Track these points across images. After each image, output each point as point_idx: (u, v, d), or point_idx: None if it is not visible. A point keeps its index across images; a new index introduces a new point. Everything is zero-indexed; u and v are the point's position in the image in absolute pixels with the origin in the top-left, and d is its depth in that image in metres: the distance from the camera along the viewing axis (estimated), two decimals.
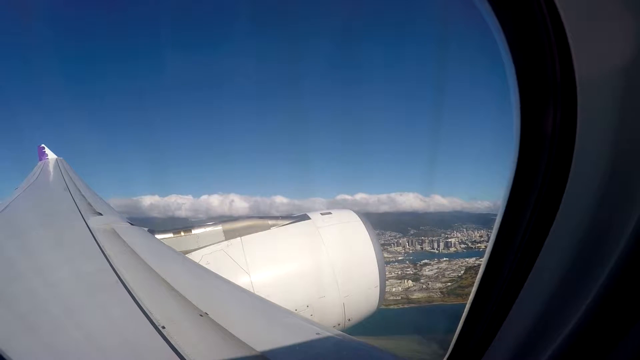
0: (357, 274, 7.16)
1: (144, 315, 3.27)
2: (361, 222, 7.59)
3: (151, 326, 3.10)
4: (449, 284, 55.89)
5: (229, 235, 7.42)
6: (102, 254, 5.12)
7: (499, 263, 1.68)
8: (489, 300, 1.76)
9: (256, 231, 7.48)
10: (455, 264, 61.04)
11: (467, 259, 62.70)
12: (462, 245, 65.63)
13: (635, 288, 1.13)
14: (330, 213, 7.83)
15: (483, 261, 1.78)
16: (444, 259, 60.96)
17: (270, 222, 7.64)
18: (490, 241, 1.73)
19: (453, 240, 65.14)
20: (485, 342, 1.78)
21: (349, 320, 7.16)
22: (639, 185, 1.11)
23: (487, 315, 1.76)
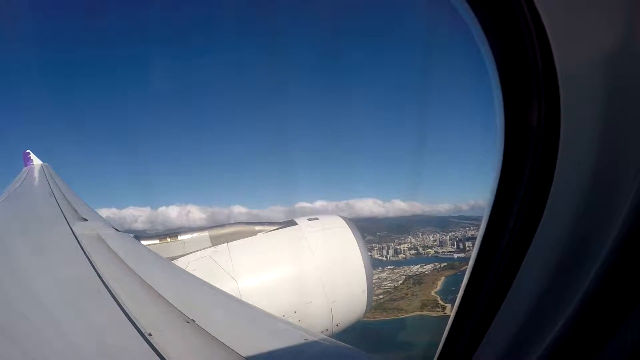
0: (345, 279, 7.17)
1: (130, 323, 3.25)
2: (348, 227, 7.60)
3: (137, 333, 3.08)
4: (381, 296, 55.32)
5: (215, 241, 7.39)
6: (87, 260, 5.07)
7: (486, 264, 1.69)
8: (476, 302, 1.76)
9: (243, 237, 7.45)
10: (398, 272, 60.49)
11: (411, 267, 62.07)
12: (412, 252, 65.12)
13: (621, 289, 1.14)
14: (317, 219, 7.83)
15: (470, 263, 1.79)
16: (388, 267, 60.57)
17: (257, 227, 7.63)
18: (476, 243, 1.74)
19: (403, 246, 64.71)
20: (473, 344, 1.78)
21: (337, 325, 7.16)
22: (625, 183, 1.12)
23: (474, 318, 1.77)
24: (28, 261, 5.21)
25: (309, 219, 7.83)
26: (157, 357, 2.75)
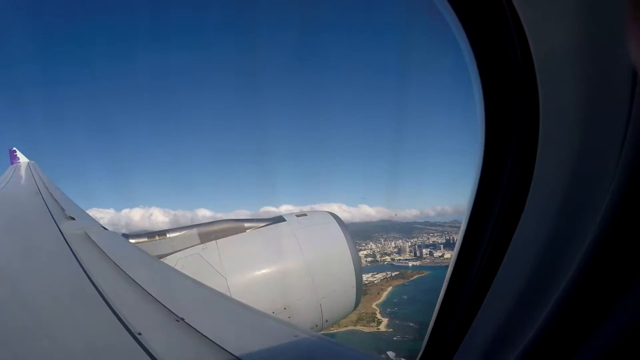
0: (334, 275, 7.20)
1: (119, 322, 3.24)
2: (337, 223, 7.63)
3: (127, 333, 3.07)
4: None
5: (204, 238, 7.37)
6: (75, 259, 5.05)
7: (467, 261, 1.70)
8: (456, 303, 1.78)
9: (232, 234, 7.45)
10: None
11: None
12: (369, 259, 64.38)
13: (598, 289, 1.15)
14: (305, 215, 7.85)
15: (451, 259, 1.80)
16: None
17: (246, 224, 7.62)
18: (458, 240, 1.75)
19: (361, 253, 64.66)
20: (454, 345, 1.80)
21: (327, 321, 7.19)
22: (603, 181, 1.13)
23: (455, 319, 1.79)
24: (15, 261, 5.18)
25: (297, 215, 7.84)
26: (147, 356, 2.75)
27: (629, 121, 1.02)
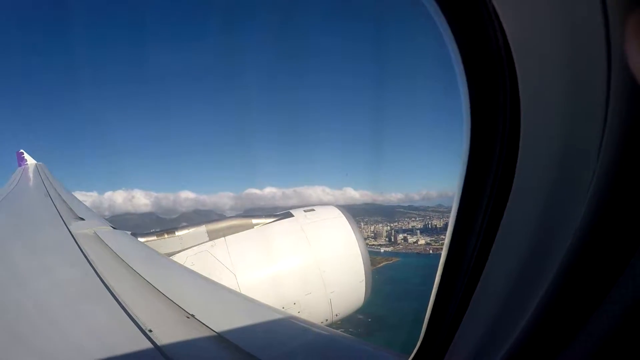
0: (342, 269, 7.20)
1: (130, 320, 3.27)
2: (344, 217, 7.63)
3: (138, 330, 3.10)
4: None
5: (212, 235, 7.41)
6: (85, 259, 5.08)
7: (456, 259, 1.69)
8: (450, 296, 1.77)
9: (240, 230, 7.48)
10: None
11: None
12: None
13: (586, 281, 1.15)
14: (313, 210, 7.85)
15: (441, 260, 1.79)
16: None
17: (253, 221, 7.64)
18: (446, 238, 1.74)
19: None
20: (447, 342, 1.80)
21: (336, 315, 7.21)
22: (586, 174, 1.12)
23: (448, 316, 1.78)
24: (26, 262, 5.22)
25: (305, 210, 7.85)
26: (159, 353, 2.77)
27: (606, 114, 1.01)
